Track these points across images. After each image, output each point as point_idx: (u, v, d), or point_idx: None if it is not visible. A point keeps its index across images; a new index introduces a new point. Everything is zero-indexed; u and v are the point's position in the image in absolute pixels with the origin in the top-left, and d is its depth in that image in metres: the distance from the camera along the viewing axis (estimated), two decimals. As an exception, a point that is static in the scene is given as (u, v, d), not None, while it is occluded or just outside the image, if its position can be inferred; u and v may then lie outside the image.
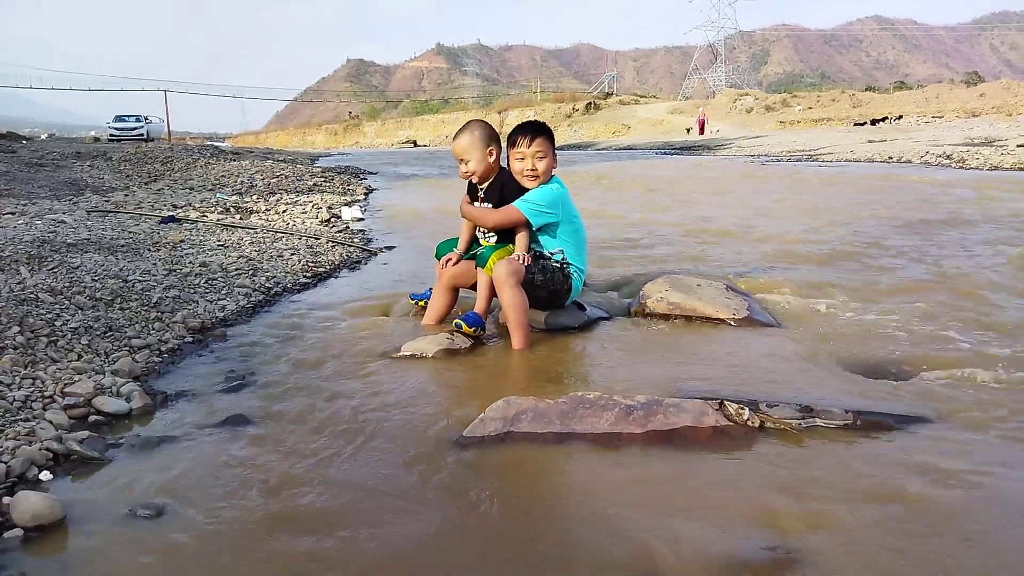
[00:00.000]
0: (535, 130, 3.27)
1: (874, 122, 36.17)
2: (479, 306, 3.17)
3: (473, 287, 3.30)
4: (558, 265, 3.29)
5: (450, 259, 3.41)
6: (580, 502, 1.80)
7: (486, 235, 3.40)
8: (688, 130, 46.27)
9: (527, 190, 3.26)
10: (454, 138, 3.32)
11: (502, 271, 3.02)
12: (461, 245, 3.49)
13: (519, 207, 3.20)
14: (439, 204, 9.06)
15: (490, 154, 3.28)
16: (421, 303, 3.58)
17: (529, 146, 3.23)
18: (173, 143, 28.38)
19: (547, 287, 3.22)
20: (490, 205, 3.31)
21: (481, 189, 3.35)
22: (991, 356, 2.75)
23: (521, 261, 3.11)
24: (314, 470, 1.96)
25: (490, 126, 3.37)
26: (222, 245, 5.18)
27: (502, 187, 3.29)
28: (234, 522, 1.70)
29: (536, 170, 3.25)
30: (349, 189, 11.78)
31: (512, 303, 3.00)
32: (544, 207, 3.21)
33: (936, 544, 1.56)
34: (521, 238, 3.23)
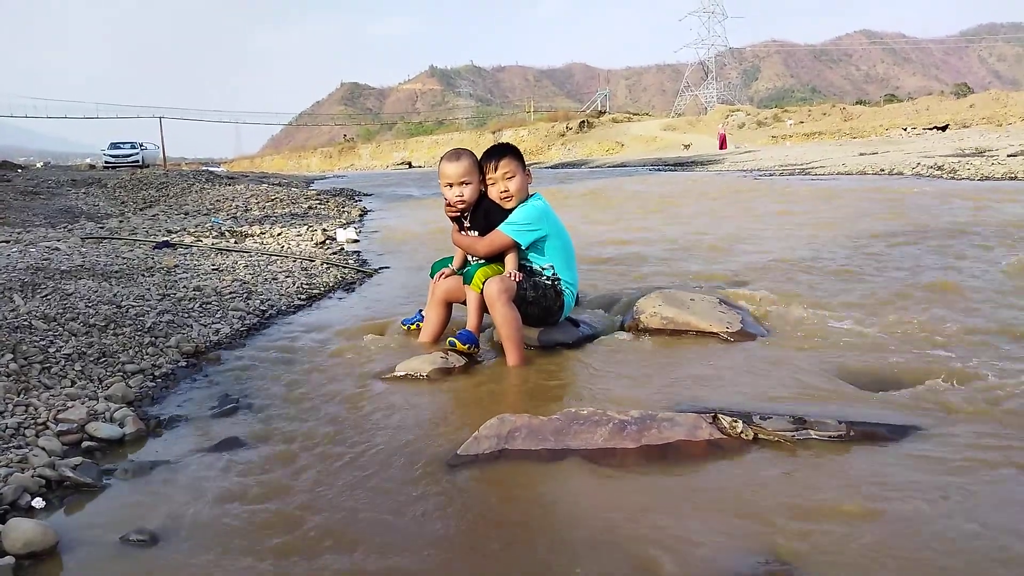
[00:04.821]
0: (499, 153, 3.30)
1: (942, 128, 36.29)
2: (471, 323, 3.18)
3: (466, 302, 3.31)
4: (549, 282, 3.30)
5: (443, 274, 3.42)
6: (575, 519, 1.79)
7: (476, 257, 3.41)
8: (686, 146, 46.54)
9: (509, 212, 3.28)
10: (446, 162, 3.29)
11: (493, 288, 3.03)
12: (456, 262, 3.52)
13: (505, 231, 3.22)
14: (434, 224, 9.09)
15: (482, 181, 3.31)
16: (413, 326, 3.59)
17: (496, 170, 3.26)
18: (168, 169, 28.47)
19: (539, 304, 3.23)
20: (476, 232, 3.33)
21: (465, 218, 3.36)
22: (985, 366, 2.76)
23: (512, 278, 3.13)
24: (309, 493, 1.95)
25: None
26: (216, 269, 5.19)
27: (486, 213, 3.30)
28: (228, 547, 1.69)
29: (509, 191, 3.27)
30: (344, 211, 11.82)
31: (505, 320, 3.01)
32: (529, 225, 3.23)
33: (931, 557, 1.56)
34: (511, 256, 3.25)
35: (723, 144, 42.40)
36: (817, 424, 2.21)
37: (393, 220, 10.74)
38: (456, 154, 3.32)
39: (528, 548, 1.67)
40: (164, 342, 3.32)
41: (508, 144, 3.44)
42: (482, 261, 3.31)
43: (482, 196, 3.33)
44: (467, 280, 3.18)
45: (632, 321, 3.50)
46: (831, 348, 3.07)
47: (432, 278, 3.50)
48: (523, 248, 3.27)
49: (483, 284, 3.09)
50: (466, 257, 3.50)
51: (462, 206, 3.30)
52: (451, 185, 3.28)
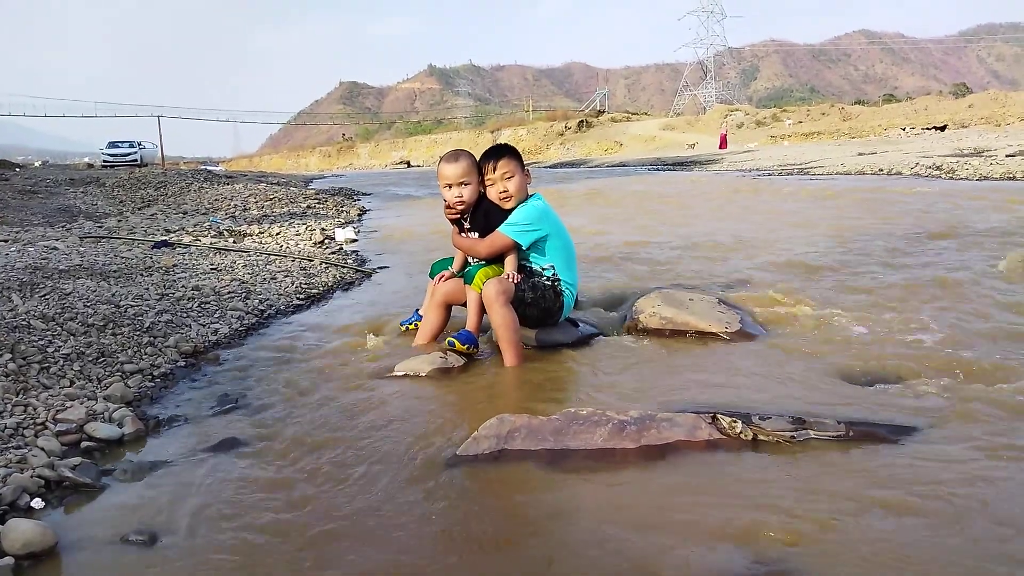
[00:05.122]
0: (497, 153, 3.31)
1: (941, 128, 36.22)
2: (471, 323, 3.18)
3: (466, 304, 3.31)
4: (549, 282, 3.30)
5: (443, 276, 3.42)
6: (574, 519, 1.79)
7: (475, 258, 3.41)
8: (691, 145, 46.65)
9: (509, 212, 3.28)
10: (445, 163, 3.30)
11: (491, 290, 3.03)
12: (456, 264, 3.51)
13: (505, 231, 3.22)
14: (433, 224, 9.08)
15: (480, 182, 3.31)
16: (412, 327, 3.58)
17: (495, 170, 3.26)
18: (167, 168, 28.45)
19: (538, 304, 3.23)
20: (477, 234, 3.33)
21: (465, 219, 3.36)
22: (984, 365, 2.76)
23: (511, 279, 3.13)
24: (307, 493, 1.95)
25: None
26: (215, 268, 5.19)
27: (486, 214, 3.30)
28: (227, 547, 1.70)
29: (508, 191, 3.27)
30: (343, 210, 11.81)
31: (502, 321, 3.01)
32: (529, 225, 3.23)
33: (931, 557, 1.56)
34: (511, 257, 3.25)
35: (723, 144, 42.51)
36: (816, 424, 2.21)
37: (392, 220, 10.73)
38: (455, 155, 3.32)
39: (527, 548, 1.67)
40: (163, 342, 3.32)
41: (506, 145, 3.44)
42: (483, 262, 3.31)
43: (482, 197, 3.33)
44: (468, 280, 3.18)
45: (631, 321, 3.50)
46: (830, 348, 3.07)
47: (432, 279, 3.49)
48: (524, 248, 3.27)
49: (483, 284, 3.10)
50: (466, 259, 3.49)
51: (461, 207, 3.30)
52: (450, 186, 3.28)
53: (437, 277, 3.44)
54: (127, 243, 6.40)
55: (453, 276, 3.42)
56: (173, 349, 3.25)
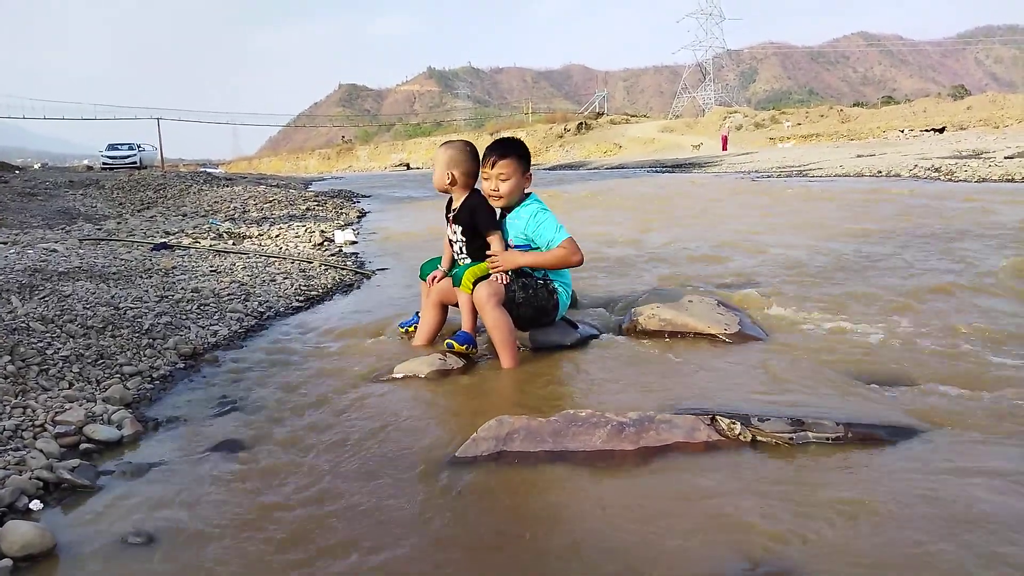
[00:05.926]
0: (502, 150, 3.23)
1: (939, 130, 36.35)
2: (465, 324, 3.16)
3: (459, 304, 3.30)
4: (541, 282, 3.28)
5: (436, 276, 3.41)
6: (573, 522, 1.79)
7: (461, 256, 3.40)
8: (696, 146, 46.97)
9: (493, 211, 3.29)
10: (441, 148, 3.42)
11: (482, 293, 3.02)
12: (444, 263, 3.50)
13: (562, 233, 3.18)
14: (432, 226, 9.08)
15: (464, 174, 3.33)
16: (412, 328, 3.57)
17: (493, 167, 3.21)
18: (166, 170, 28.44)
19: (531, 304, 3.21)
20: (459, 228, 3.33)
21: (453, 210, 3.37)
22: (982, 365, 2.76)
23: (500, 281, 3.12)
24: (306, 495, 1.95)
25: (469, 149, 3.40)
26: (214, 271, 5.18)
27: (472, 211, 3.29)
28: (226, 549, 1.69)
29: (499, 191, 3.23)
30: (342, 212, 11.81)
31: (495, 323, 3.00)
32: (556, 221, 3.25)
33: (930, 561, 1.56)
34: (494, 237, 3.24)
35: (724, 145, 42.94)
36: (815, 426, 2.21)
37: (391, 222, 10.73)
38: (447, 143, 3.42)
39: (525, 550, 1.67)
40: (162, 344, 3.32)
41: (517, 142, 3.35)
42: (469, 261, 3.30)
43: (473, 191, 3.33)
44: (456, 282, 3.17)
45: (630, 323, 3.50)
46: (829, 350, 3.07)
47: (423, 280, 3.49)
48: (513, 244, 3.26)
49: (473, 286, 3.09)
50: (454, 258, 3.48)
51: (443, 191, 3.40)
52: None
53: (429, 278, 3.44)
54: (126, 245, 6.40)
55: (445, 275, 3.41)
56: (172, 351, 3.25)
